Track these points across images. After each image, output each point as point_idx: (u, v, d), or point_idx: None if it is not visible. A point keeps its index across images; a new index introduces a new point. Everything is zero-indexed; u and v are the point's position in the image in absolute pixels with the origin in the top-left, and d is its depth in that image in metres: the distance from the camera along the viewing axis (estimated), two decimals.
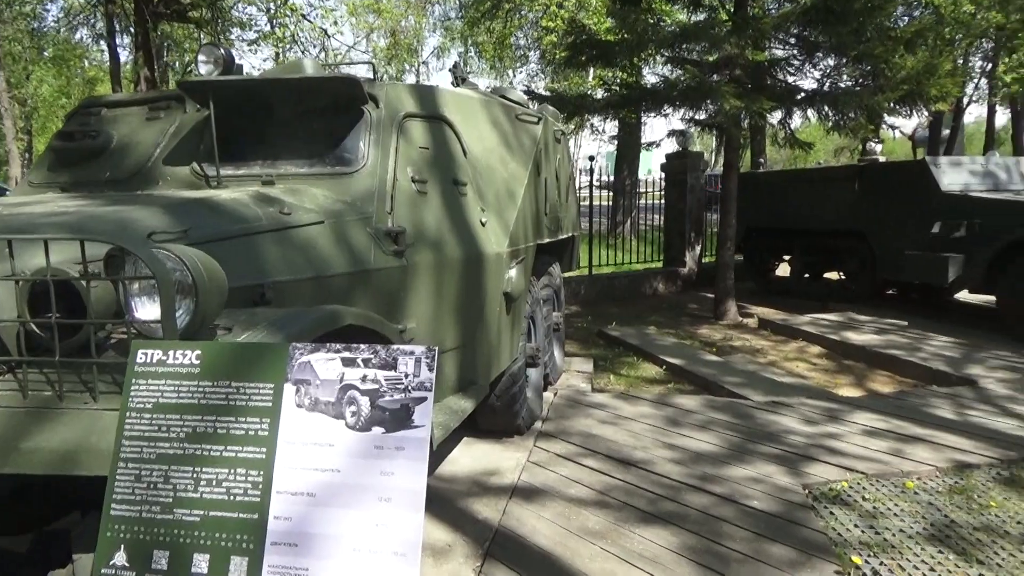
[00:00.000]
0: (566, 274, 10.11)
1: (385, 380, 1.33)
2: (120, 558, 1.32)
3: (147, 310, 1.65)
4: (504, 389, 4.47)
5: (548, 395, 5.69)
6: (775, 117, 8.36)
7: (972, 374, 6.30)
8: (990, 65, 21.75)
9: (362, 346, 1.36)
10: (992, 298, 8.58)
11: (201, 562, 1.30)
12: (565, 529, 3.57)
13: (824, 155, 23.79)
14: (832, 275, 10.52)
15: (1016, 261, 7.54)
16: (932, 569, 3.28)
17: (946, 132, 24.77)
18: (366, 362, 1.35)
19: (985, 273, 7.84)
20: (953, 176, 8.59)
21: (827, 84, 8.05)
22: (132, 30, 11.65)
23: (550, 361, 5.74)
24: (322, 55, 13.95)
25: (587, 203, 10.87)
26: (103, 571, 1.32)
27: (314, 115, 3.24)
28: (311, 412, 1.35)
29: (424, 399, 1.31)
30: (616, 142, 15.41)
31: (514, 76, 26.13)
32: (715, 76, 7.85)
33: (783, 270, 11.27)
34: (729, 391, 5.90)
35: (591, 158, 10.35)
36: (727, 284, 8.91)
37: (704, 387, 6.25)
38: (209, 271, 1.66)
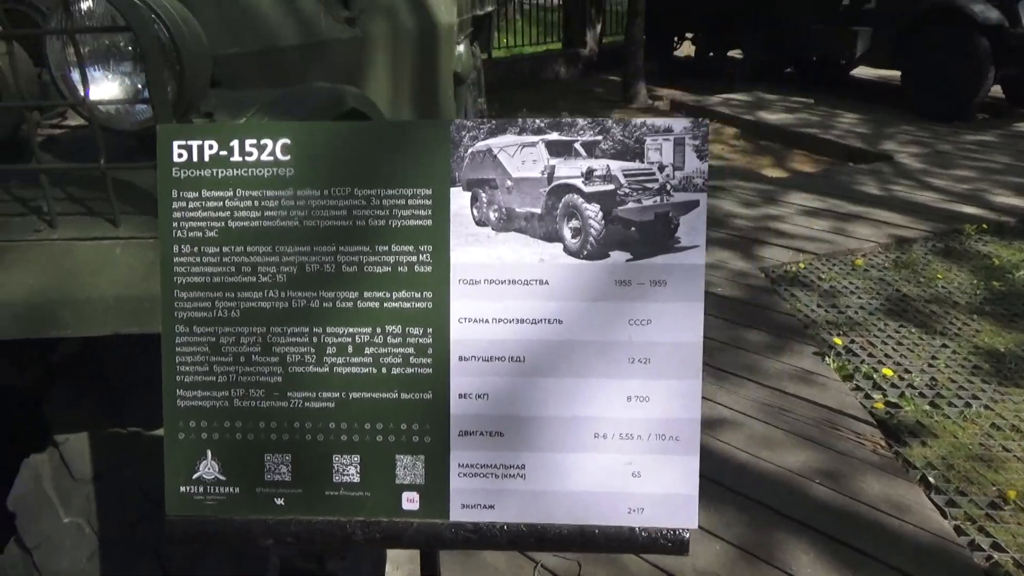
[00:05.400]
0: None
1: (625, 176, 0.84)
2: (209, 468, 0.89)
3: (102, 87, 1.10)
4: None
5: None
6: None
7: (887, 149, 6.37)
8: None
9: (580, 120, 0.84)
10: (889, 73, 8.64)
11: (348, 467, 0.88)
12: None
13: None
14: (735, 53, 10.25)
15: (922, 34, 7.48)
16: (899, 343, 3.32)
17: None
18: (590, 148, 0.83)
19: (892, 47, 7.78)
20: None
21: None
22: None
23: None
24: None
25: None
26: (182, 489, 0.88)
27: None
28: (502, 232, 0.86)
29: (695, 204, 0.84)
30: None
31: None
32: None
33: (685, 49, 10.88)
34: None
35: None
36: (637, 64, 8.48)
37: None
38: (189, 26, 1.11)
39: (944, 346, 3.29)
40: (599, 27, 10.78)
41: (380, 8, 2.64)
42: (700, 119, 0.86)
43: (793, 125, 7.15)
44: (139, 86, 1.10)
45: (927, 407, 2.85)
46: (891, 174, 5.75)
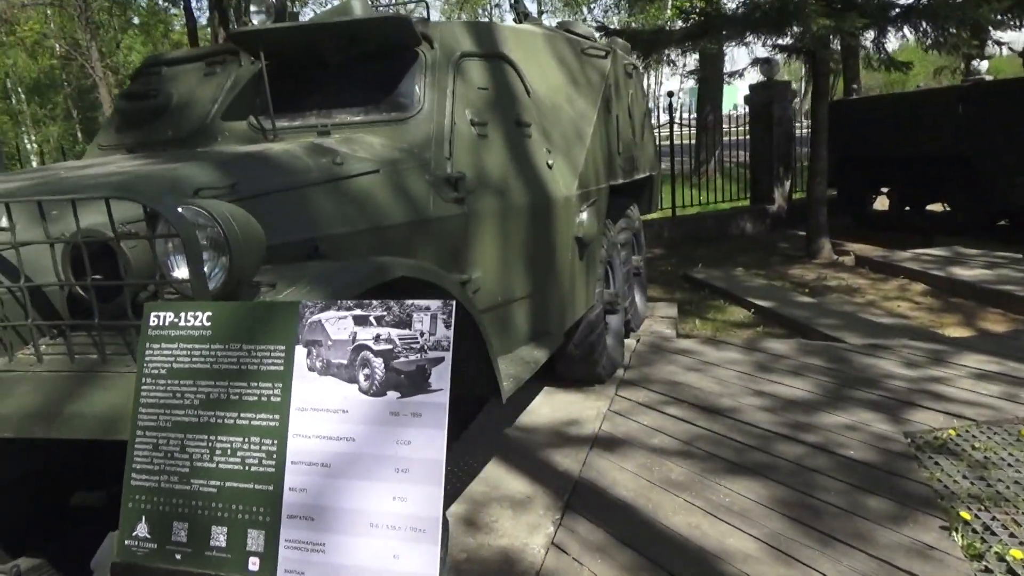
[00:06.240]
0: (650, 216, 9.81)
1: (399, 339, 1.21)
2: (142, 529, 1.28)
3: (183, 269, 1.58)
4: (582, 337, 4.32)
5: (630, 342, 5.51)
6: (868, 37, 7.70)
7: None
8: None
9: (374, 302, 1.25)
10: None
11: (219, 535, 1.24)
12: (647, 481, 3.43)
13: (924, 77, 22.15)
14: (935, 207, 9.82)
15: None
16: None
17: None
18: (379, 320, 1.23)
19: None
20: None
21: None
22: None
23: (631, 307, 5.55)
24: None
25: (670, 142, 10.45)
26: (126, 543, 1.29)
27: (367, 60, 3.11)
28: (323, 376, 1.24)
29: (441, 360, 1.18)
30: (696, 77, 14.66)
31: (590, 12, 25.32)
32: None
33: (881, 203, 10.60)
34: (823, 334, 5.58)
35: (670, 94, 9.89)
36: (819, 220, 8.43)
37: (796, 330, 5.93)
38: (242, 226, 1.57)
39: None
40: (788, 184, 10.86)
41: (490, 187, 3.10)
42: (447, 300, 1.14)
43: (989, 281, 6.67)
44: (205, 269, 1.56)
45: None
46: None
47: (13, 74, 24.43)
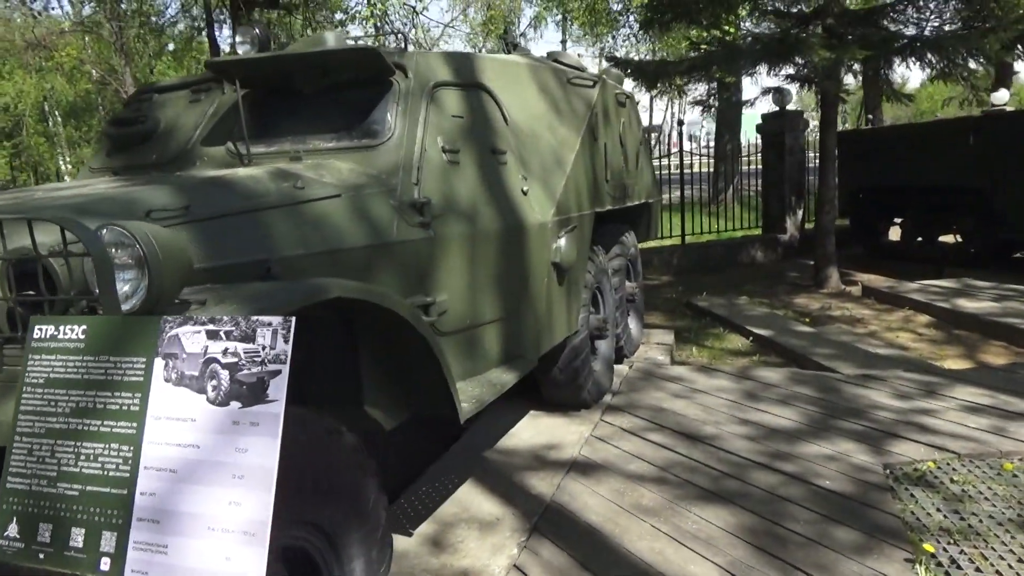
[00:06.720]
0: (660, 244, 9.81)
1: (244, 353, 1.29)
2: (13, 530, 1.36)
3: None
4: (567, 362, 4.35)
5: (623, 368, 5.52)
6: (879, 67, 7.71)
7: None
8: None
9: (225, 317, 1.32)
10: None
11: (78, 536, 1.32)
12: (618, 506, 3.44)
13: (951, 108, 21.96)
14: (948, 238, 9.72)
15: None
16: (1020, 560, 2.94)
17: None
18: (228, 334, 1.30)
19: None
20: None
21: (928, 28, 7.34)
22: (229, 20, 12.11)
23: (624, 333, 5.56)
24: (412, 33, 14.03)
25: (680, 170, 10.49)
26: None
27: (341, 89, 3.21)
28: (177, 386, 1.31)
29: (279, 372, 1.26)
30: (708, 108, 14.63)
31: (613, 41, 25.57)
32: (808, 27, 7.32)
33: (895, 234, 10.51)
34: (817, 364, 5.54)
35: (680, 123, 9.95)
36: (827, 250, 8.39)
37: (792, 359, 5.90)
38: (164, 246, 1.64)
39: None
40: (800, 213, 10.81)
41: (459, 213, 3.17)
42: (287, 317, 1.19)
43: (994, 314, 6.58)
44: (127, 287, 1.64)
45: None
46: None
47: (51, 98, 25.26)
